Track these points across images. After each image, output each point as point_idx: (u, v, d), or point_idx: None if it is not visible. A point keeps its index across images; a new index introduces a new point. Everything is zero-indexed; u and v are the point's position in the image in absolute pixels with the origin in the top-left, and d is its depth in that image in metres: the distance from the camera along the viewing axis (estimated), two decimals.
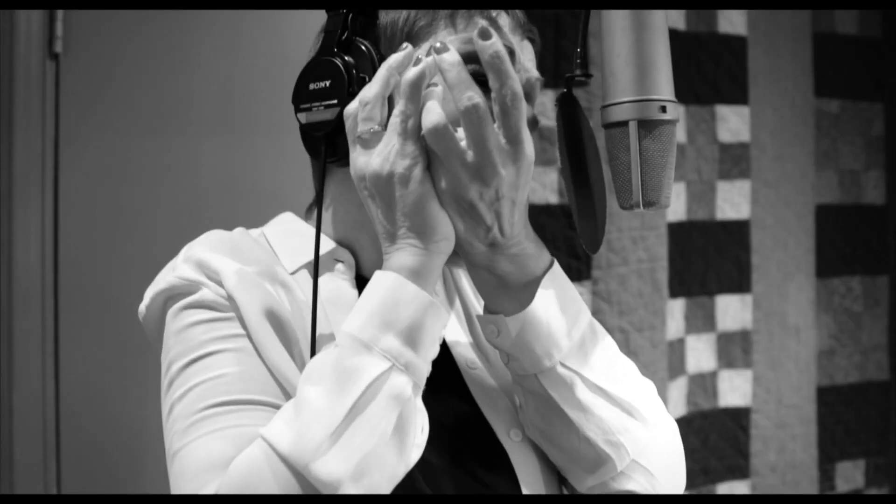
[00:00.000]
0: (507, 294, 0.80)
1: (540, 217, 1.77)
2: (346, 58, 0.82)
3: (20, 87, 1.60)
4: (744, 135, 2.05)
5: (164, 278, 0.84)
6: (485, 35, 0.73)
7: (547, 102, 1.76)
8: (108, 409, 1.63)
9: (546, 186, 1.78)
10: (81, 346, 1.63)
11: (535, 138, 1.89)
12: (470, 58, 0.78)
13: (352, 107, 0.78)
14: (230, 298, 0.80)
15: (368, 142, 0.76)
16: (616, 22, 0.77)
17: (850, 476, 2.19)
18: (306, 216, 0.95)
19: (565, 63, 1.75)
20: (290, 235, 0.91)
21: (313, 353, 0.78)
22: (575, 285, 1.81)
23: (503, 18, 0.85)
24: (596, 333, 0.83)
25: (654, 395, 0.87)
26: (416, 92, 0.74)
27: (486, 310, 0.83)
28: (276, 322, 0.80)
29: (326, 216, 0.91)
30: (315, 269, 0.80)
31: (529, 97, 0.86)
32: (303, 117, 0.83)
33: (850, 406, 2.19)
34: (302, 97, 0.84)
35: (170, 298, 0.83)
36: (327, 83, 0.82)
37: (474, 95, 0.72)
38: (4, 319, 1.60)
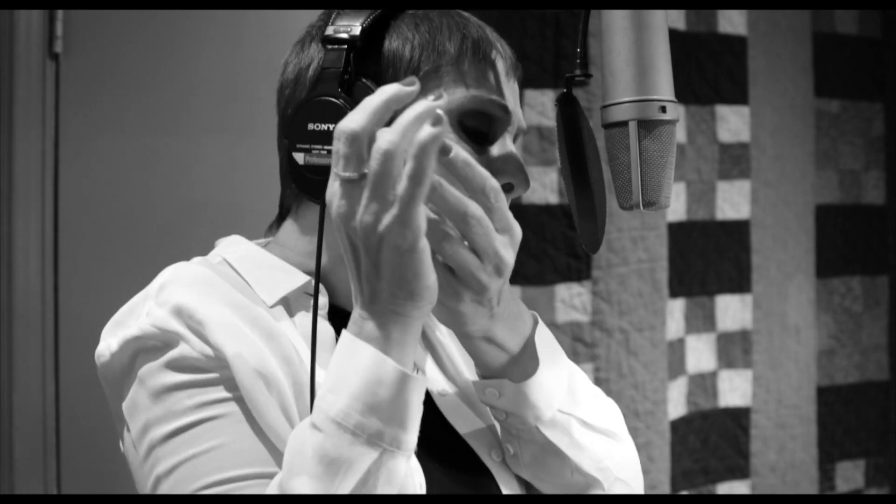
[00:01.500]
0: (509, 361, 0.81)
1: (540, 217, 1.77)
2: (350, 99, 0.76)
3: (20, 87, 1.60)
4: (744, 135, 2.05)
5: (136, 322, 0.77)
6: (444, 151, 0.68)
7: (547, 102, 1.76)
8: (108, 410, 1.63)
9: (546, 186, 1.78)
10: (81, 347, 1.63)
11: (536, 138, 1.89)
12: (475, 114, 0.80)
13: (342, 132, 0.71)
14: (217, 353, 0.75)
15: (352, 188, 0.66)
16: (616, 22, 0.77)
17: (850, 476, 2.19)
18: (266, 234, 0.91)
19: (565, 63, 1.75)
20: (259, 267, 0.84)
21: (312, 394, 0.73)
22: (575, 285, 1.83)
23: (500, 63, 0.84)
24: (572, 371, 0.87)
25: (619, 414, 0.92)
26: (430, 158, 0.64)
27: (484, 375, 0.83)
28: (266, 378, 0.75)
29: (298, 246, 0.86)
30: (313, 322, 0.75)
31: (516, 138, 0.87)
32: (300, 157, 0.78)
33: (850, 406, 2.19)
34: (300, 136, 0.77)
35: (141, 350, 0.77)
36: (330, 126, 0.76)
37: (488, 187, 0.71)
38: (4, 319, 1.59)
